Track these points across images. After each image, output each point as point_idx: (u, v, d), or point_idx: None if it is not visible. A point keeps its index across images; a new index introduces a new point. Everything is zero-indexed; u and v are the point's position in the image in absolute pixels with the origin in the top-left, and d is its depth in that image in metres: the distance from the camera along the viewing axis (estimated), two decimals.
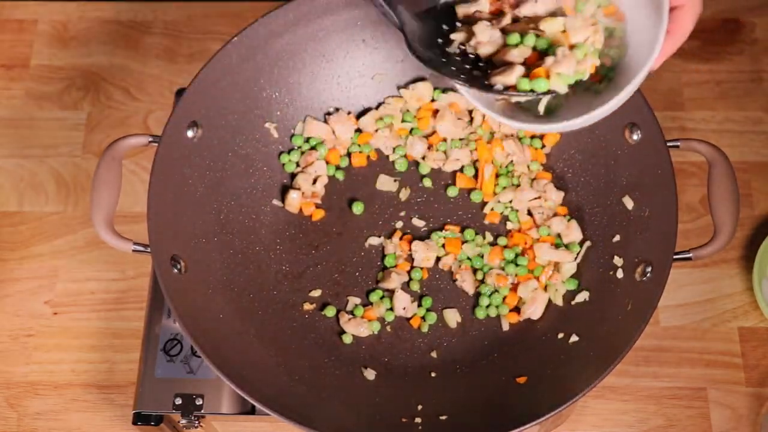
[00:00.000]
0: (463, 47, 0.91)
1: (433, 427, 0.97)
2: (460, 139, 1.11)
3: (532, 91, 0.86)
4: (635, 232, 1.01)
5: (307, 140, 1.12)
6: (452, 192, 1.10)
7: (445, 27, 0.92)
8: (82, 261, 1.25)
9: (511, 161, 1.10)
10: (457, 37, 0.91)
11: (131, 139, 1.04)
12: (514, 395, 0.98)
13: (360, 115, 1.13)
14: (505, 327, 1.04)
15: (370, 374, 1.02)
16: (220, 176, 1.06)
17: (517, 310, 1.05)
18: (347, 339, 1.04)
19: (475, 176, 1.10)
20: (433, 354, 1.04)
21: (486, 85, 0.87)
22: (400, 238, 1.08)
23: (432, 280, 1.07)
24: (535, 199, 1.08)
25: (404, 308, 1.05)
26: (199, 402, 1.04)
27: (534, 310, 1.04)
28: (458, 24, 0.93)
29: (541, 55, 0.88)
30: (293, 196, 1.09)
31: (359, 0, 1.08)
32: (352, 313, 1.05)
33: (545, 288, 1.05)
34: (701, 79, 1.33)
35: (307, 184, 1.10)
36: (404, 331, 1.05)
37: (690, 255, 0.97)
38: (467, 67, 0.89)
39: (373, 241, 1.09)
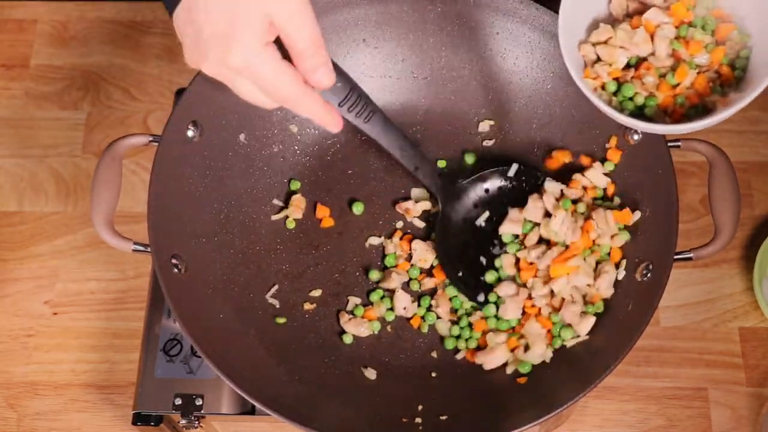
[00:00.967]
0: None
1: (433, 427, 0.96)
2: None
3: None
4: (635, 232, 1.01)
5: None
6: None
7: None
8: (82, 261, 1.25)
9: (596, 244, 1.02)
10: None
11: (131, 139, 1.04)
12: (514, 395, 0.98)
13: None
14: None
15: (370, 374, 1.02)
16: (220, 176, 1.06)
17: (478, 348, 1.02)
18: (347, 339, 1.04)
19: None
20: (433, 354, 1.04)
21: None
22: (401, 238, 1.08)
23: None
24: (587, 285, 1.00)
25: (405, 308, 1.05)
26: (199, 402, 1.04)
27: (490, 360, 1.00)
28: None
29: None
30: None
31: (359, 0, 1.08)
32: (352, 313, 1.05)
33: (512, 350, 1.01)
34: None
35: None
36: (404, 331, 1.05)
37: (690, 255, 0.97)
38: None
39: (373, 241, 1.09)
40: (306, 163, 1.12)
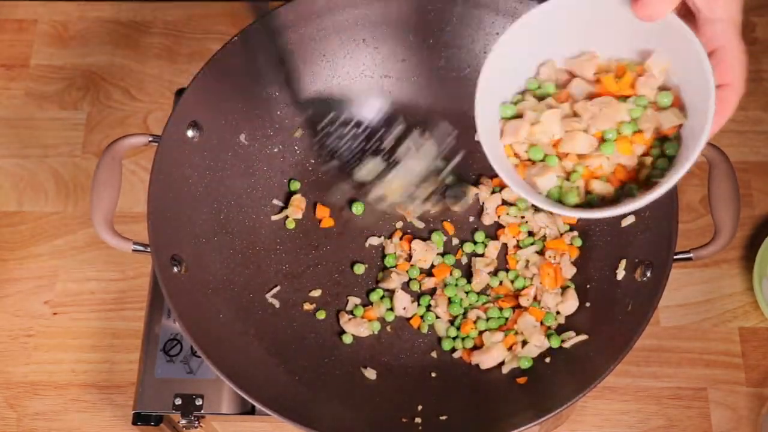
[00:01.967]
0: None
1: (433, 427, 0.96)
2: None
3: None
4: (635, 232, 1.01)
5: None
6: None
7: None
8: (82, 261, 1.25)
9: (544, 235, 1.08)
10: None
11: (131, 139, 1.04)
12: (513, 395, 0.98)
13: None
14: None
15: (370, 374, 1.02)
16: (220, 176, 1.06)
17: (475, 347, 1.03)
18: (347, 339, 1.04)
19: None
20: (433, 354, 1.04)
21: None
22: (400, 238, 1.08)
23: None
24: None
25: (404, 308, 1.05)
26: (198, 402, 1.04)
27: (486, 360, 1.01)
28: None
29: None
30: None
31: (359, 0, 1.08)
32: (352, 313, 1.05)
33: (509, 347, 1.02)
34: None
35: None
36: (404, 331, 1.05)
37: (690, 255, 0.97)
38: None
39: (373, 241, 1.09)
40: (306, 163, 1.12)
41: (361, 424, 0.97)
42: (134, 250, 0.99)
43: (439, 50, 1.12)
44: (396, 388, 1.01)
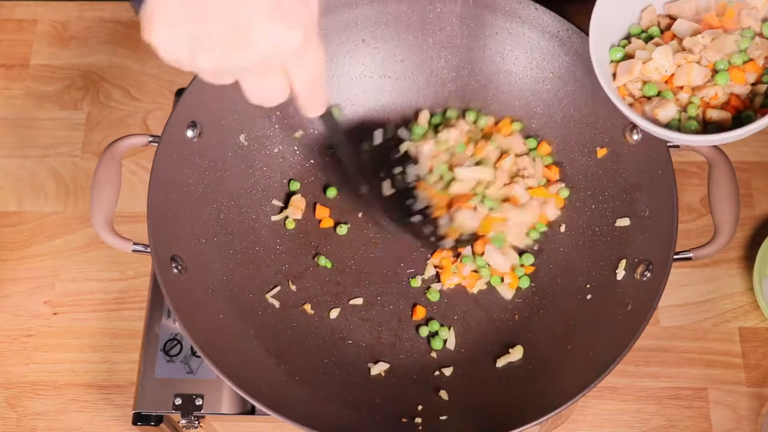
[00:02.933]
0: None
1: (433, 427, 0.97)
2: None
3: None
4: (635, 232, 1.01)
5: None
6: None
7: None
8: (82, 261, 1.25)
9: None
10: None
11: (131, 139, 1.04)
12: (513, 395, 0.98)
13: None
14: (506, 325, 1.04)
15: (374, 370, 1.02)
16: (220, 176, 1.06)
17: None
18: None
19: None
20: (433, 354, 1.04)
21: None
22: None
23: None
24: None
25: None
26: (198, 402, 1.04)
27: (470, 219, 1.03)
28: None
29: None
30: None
31: (359, 0, 1.08)
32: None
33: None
34: None
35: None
36: (404, 331, 1.05)
37: (690, 255, 0.97)
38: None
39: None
40: (306, 164, 1.12)
41: (361, 424, 0.97)
42: (134, 250, 0.99)
43: (439, 50, 1.12)
44: (396, 388, 1.01)
